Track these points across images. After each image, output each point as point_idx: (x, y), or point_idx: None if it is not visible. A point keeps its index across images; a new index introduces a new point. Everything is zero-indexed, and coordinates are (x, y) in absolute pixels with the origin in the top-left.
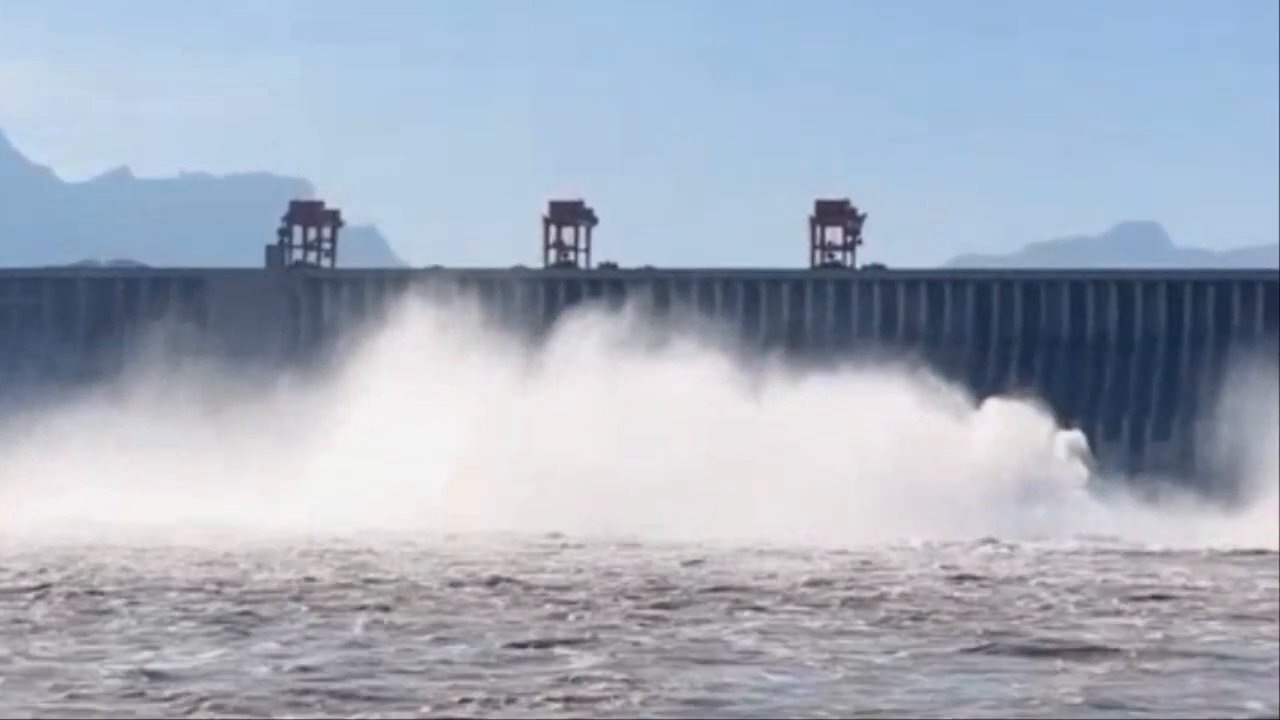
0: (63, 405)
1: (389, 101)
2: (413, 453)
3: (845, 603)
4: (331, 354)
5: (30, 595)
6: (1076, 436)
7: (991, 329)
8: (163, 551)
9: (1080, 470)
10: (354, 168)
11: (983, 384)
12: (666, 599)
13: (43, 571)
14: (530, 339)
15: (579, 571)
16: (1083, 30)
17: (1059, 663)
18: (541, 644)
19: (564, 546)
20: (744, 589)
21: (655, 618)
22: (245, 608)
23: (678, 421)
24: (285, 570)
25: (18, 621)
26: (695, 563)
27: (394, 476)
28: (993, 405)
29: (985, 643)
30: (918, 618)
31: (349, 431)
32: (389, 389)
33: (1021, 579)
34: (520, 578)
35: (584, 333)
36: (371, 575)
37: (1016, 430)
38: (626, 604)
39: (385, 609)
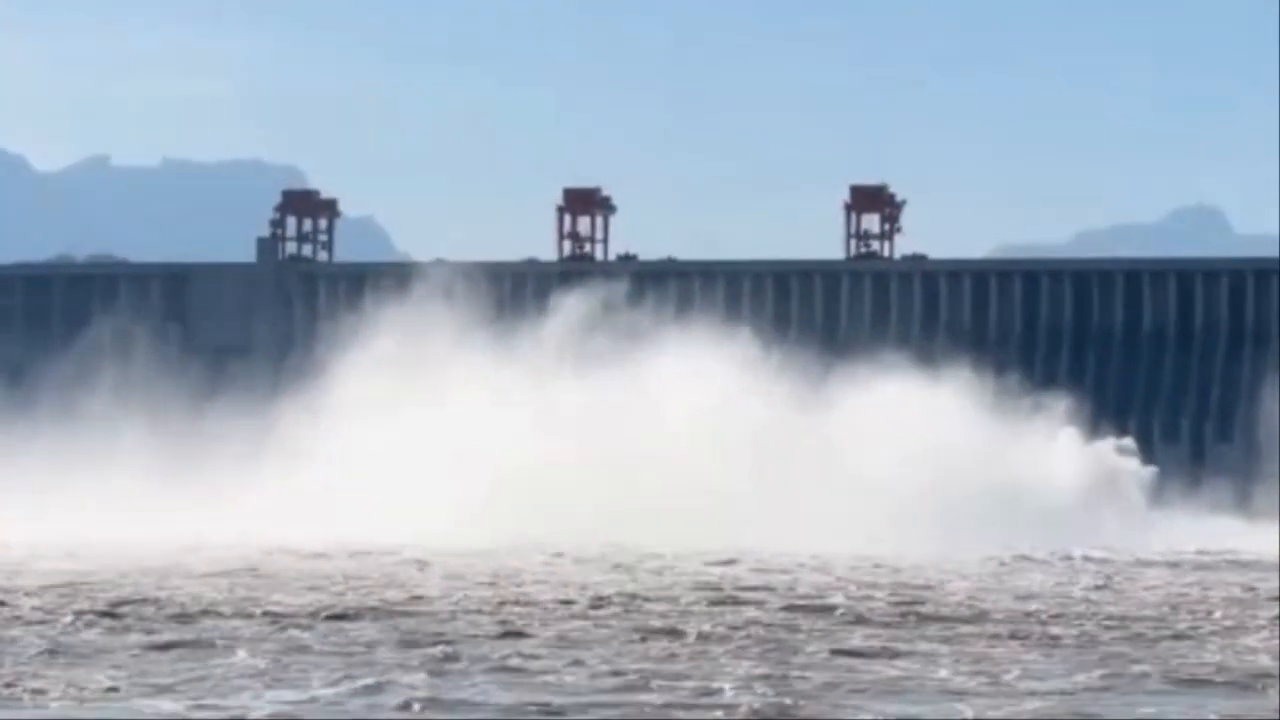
0: (31, 413)
1: (389, 84)
2: (412, 462)
3: (996, 628)
4: (327, 354)
5: None
6: (1130, 441)
7: (1040, 323)
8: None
9: (1139, 476)
10: (351, 154)
11: (1031, 382)
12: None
13: None
14: (543, 336)
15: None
16: (1136, 3)
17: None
18: None
19: (612, 563)
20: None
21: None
22: None
23: (704, 426)
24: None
25: None
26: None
27: (389, 488)
28: (1044, 409)
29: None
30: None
31: (339, 439)
32: (386, 393)
33: (1148, 599)
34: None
35: (602, 330)
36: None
37: (1071, 437)
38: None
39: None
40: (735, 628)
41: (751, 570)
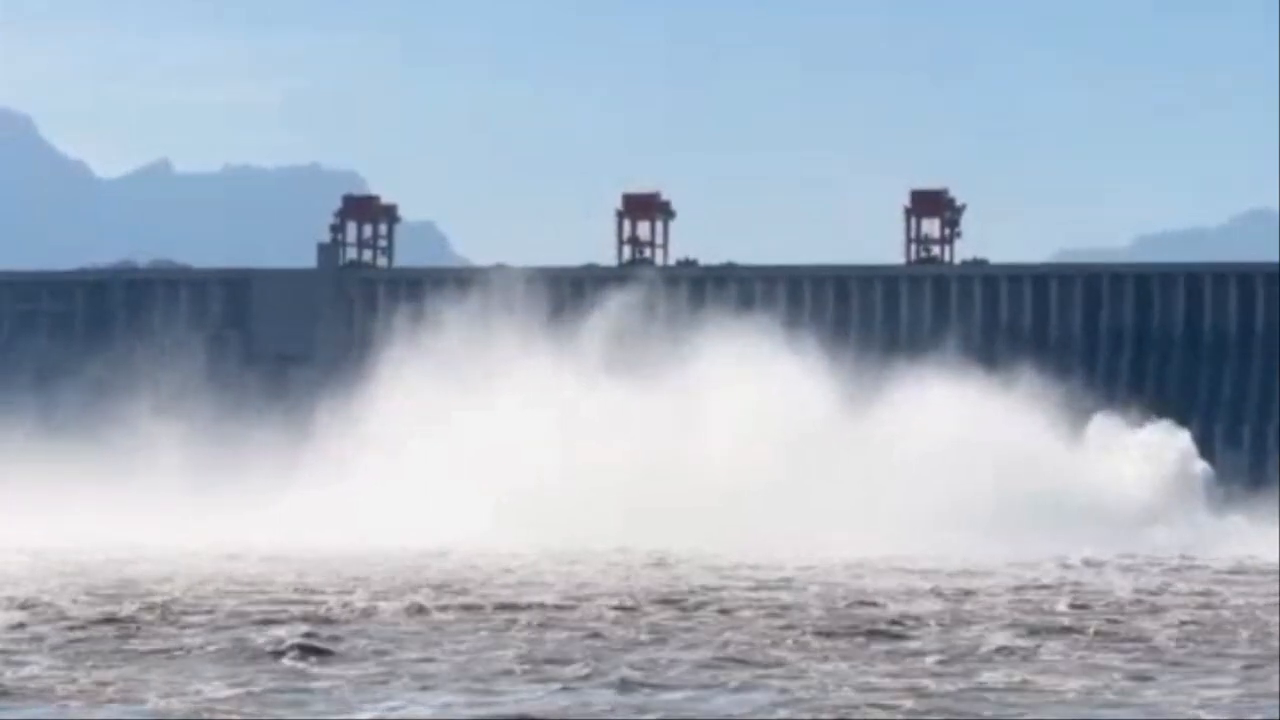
0: (85, 419)
1: (448, 88)
2: (462, 466)
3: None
4: (385, 359)
5: None
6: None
7: (1101, 327)
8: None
9: (1204, 481)
10: (411, 159)
11: (1093, 387)
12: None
13: None
14: (602, 341)
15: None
16: (1199, 4)
17: None
18: None
19: (675, 563)
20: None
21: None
22: None
23: (763, 432)
24: None
25: None
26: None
27: (435, 492)
28: (1106, 413)
29: None
30: None
31: (391, 445)
32: (442, 398)
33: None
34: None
35: (661, 335)
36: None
37: (1133, 441)
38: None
39: None
40: (888, 633)
41: (840, 574)
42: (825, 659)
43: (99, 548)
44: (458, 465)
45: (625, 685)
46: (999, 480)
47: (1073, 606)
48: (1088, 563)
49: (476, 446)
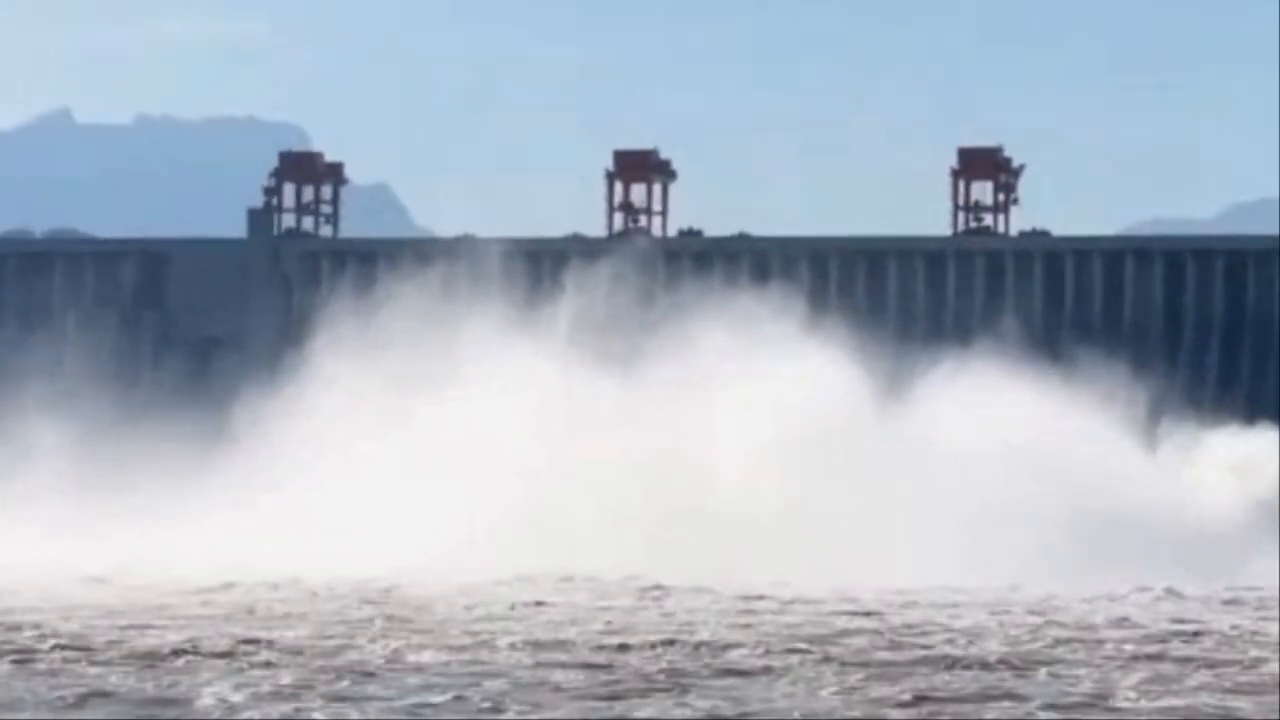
0: None
1: (406, 29)
2: (425, 475)
3: None
4: (327, 346)
5: None
6: None
7: (1185, 311)
8: None
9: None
10: (360, 110)
11: (1174, 384)
12: None
13: None
14: (587, 325)
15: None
16: None
17: None
18: None
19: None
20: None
21: None
22: None
23: (782, 432)
24: None
25: None
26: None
27: (406, 505)
28: (1188, 415)
29: None
30: None
31: (333, 450)
32: (402, 394)
33: None
34: None
35: (659, 318)
36: None
37: (1221, 450)
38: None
39: None
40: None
41: (884, 608)
42: None
43: None
44: (415, 472)
45: None
46: (1059, 494)
47: (1180, 649)
48: (1174, 593)
49: (438, 449)
